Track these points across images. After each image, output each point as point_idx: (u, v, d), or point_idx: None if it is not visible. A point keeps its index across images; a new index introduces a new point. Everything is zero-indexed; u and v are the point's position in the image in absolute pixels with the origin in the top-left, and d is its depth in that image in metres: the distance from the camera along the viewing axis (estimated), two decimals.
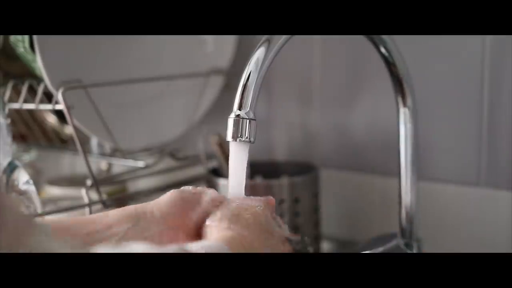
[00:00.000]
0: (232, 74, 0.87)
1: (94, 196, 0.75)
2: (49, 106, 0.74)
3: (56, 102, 0.72)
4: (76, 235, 0.43)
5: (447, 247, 0.76)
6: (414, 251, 0.67)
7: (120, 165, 0.86)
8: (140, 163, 0.78)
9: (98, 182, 0.74)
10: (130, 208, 0.47)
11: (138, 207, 0.47)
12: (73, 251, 0.40)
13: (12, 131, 0.67)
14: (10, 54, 0.79)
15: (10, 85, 0.80)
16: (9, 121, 0.67)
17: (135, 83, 0.79)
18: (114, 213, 0.46)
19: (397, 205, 0.68)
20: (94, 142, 0.90)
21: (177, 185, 0.85)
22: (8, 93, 0.79)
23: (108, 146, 0.86)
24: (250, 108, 0.51)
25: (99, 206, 0.74)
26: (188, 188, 0.51)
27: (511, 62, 0.71)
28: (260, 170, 0.83)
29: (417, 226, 0.67)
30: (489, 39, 0.72)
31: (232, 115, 0.51)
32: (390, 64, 0.64)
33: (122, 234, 0.44)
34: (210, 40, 0.88)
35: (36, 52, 0.71)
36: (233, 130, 0.51)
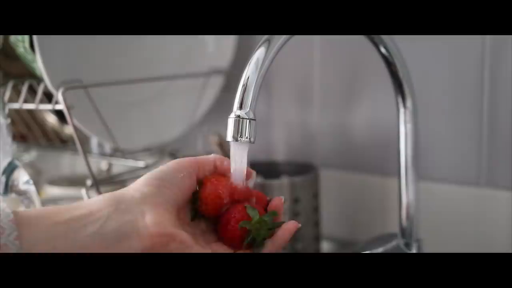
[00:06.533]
0: (232, 74, 0.87)
1: (94, 196, 0.75)
2: (49, 106, 0.74)
3: (56, 102, 0.72)
4: (59, 222, 0.44)
5: (447, 247, 0.76)
6: (414, 251, 0.67)
7: (120, 165, 0.86)
8: (140, 163, 0.78)
9: (98, 182, 0.74)
10: (109, 193, 0.48)
11: (117, 192, 0.48)
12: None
13: (12, 131, 0.67)
14: (10, 54, 0.79)
15: (10, 85, 0.79)
16: (9, 121, 0.67)
17: (135, 83, 0.79)
18: (95, 200, 0.47)
19: (397, 205, 0.68)
20: (94, 142, 0.90)
21: None
22: (8, 93, 0.79)
23: (108, 146, 0.86)
24: (250, 108, 0.51)
25: None
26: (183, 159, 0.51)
27: (511, 62, 0.71)
28: (260, 170, 0.83)
29: (417, 226, 0.67)
30: (489, 39, 0.72)
31: (232, 115, 0.51)
32: (390, 64, 0.64)
33: (105, 218, 0.45)
34: (210, 40, 0.88)
35: (36, 52, 0.70)
36: (233, 130, 0.51)
